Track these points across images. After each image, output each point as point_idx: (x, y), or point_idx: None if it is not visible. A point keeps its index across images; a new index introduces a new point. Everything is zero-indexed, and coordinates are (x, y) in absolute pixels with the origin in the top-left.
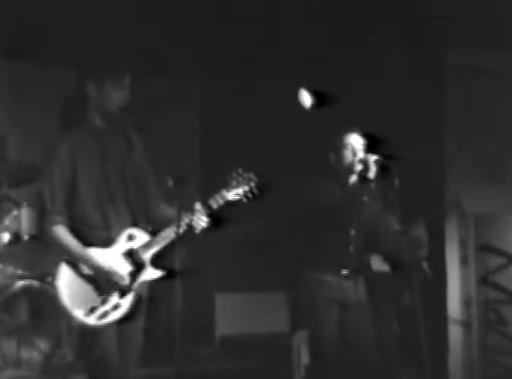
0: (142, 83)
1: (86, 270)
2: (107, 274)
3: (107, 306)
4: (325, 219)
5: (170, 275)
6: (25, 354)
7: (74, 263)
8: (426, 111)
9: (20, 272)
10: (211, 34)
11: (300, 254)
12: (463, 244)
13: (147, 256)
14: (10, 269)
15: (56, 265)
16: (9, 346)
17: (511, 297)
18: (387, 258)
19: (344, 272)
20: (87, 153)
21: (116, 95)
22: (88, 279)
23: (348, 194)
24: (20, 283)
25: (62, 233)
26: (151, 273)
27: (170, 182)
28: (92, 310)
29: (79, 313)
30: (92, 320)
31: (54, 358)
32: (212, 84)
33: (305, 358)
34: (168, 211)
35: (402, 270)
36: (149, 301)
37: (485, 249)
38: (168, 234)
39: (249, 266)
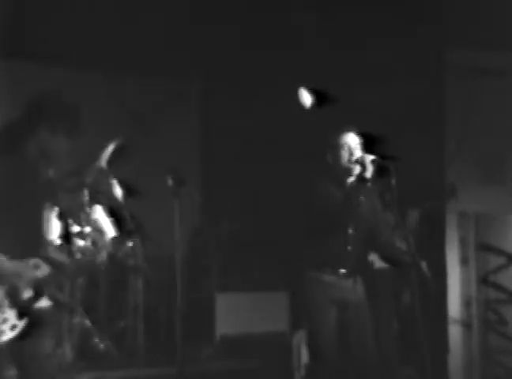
0: (142, 83)
1: None
2: (11, 278)
3: (6, 326)
4: (323, 218)
5: (60, 306)
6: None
7: None
8: (426, 111)
9: None
10: (211, 34)
11: (298, 254)
12: (463, 244)
13: (46, 286)
14: None
15: None
16: None
17: (511, 297)
18: (385, 257)
19: (343, 271)
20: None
21: (65, 144)
22: None
23: (345, 194)
24: None
25: None
26: (44, 302)
27: (170, 182)
28: None
29: None
30: None
31: (54, 358)
32: (212, 83)
33: (305, 357)
34: (54, 254)
35: (401, 269)
36: (45, 325)
37: (485, 248)
38: (68, 270)
39: (249, 266)
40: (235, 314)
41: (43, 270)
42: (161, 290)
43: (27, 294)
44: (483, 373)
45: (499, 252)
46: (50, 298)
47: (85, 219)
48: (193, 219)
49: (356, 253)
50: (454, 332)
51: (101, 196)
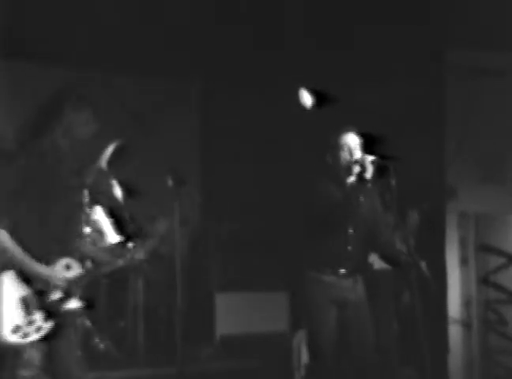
0: (142, 83)
1: (24, 286)
2: (44, 281)
3: (31, 328)
4: (323, 218)
5: (90, 307)
6: (25, 354)
7: (16, 273)
8: (426, 111)
9: None
10: (211, 34)
11: (298, 254)
12: (463, 244)
13: (77, 287)
14: None
15: None
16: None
17: (511, 297)
18: (385, 257)
19: (343, 271)
20: (42, 172)
21: (90, 126)
22: (22, 296)
23: (345, 194)
24: None
25: (4, 235)
26: (74, 303)
27: (170, 182)
28: (17, 329)
29: (5, 331)
30: (14, 339)
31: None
32: (212, 83)
33: (305, 357)
34: (91, 249)
35: (400, 269)
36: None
37: (485, 248)
38: (103, 269)
39: (249, 266)
40: (235, 314)
41: (74, 271)
42: (161, 290)
43: (56, 295)
44: (483, 373)
45: (499, 252)
46: (81, 299)
47: (85, 219)
48: (193, 219)
49: (356, 253)
50: (454, 332)
51: (101, 196)
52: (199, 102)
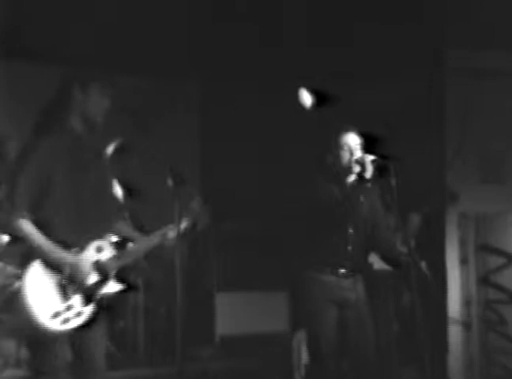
0: (143, 83)
1: (54, 274)
2: (75, 272)
3: (71, 313)
4: (323, 218)
5: (131, 288)
6: (25, 354)
7: (44, 262)
8: (426, 111)
9: (20, 272)
10: (211, 34)
11: (298, 254)
12: (463, 244)
13: (113, 269)
14: (10, 269)
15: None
16: (9, 346)
17: (511, 297)
18: (385, 258)
19: (342, 271)
20: (64, 160)
21: (101, 103)
22: (56, 283)
23: (345, 194)
24: (20, 283)
25: (30, 227)
26: (113, 286)
27: (170, 182)
28: (56, 315)
29: (44, 317)
30: (55, 326)
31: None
32: (212, 84)
33: (305, 357)
34: (124, 228)
35: (400, 269)
36: (111, 311)
37: (485, 248)
38: (137, 249)
39: (249, 265)
40: (235, 314)
41: (106, 253)
42: (161, 290)
43: (92, 279)
44: (483, 373)
45: (499, 252)
46: (118, 281)
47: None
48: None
49: (356, 253)
50: (454, 332)
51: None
52: (199, 102)
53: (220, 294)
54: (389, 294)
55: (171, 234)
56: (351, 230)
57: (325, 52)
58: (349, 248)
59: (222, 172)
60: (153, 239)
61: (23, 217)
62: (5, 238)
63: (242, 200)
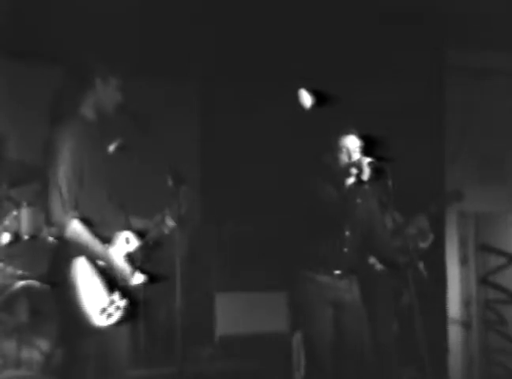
0: (142, 83)
1: (99, 269)
2: (119, 272)
3: (112, 308)
4: (320, 220)
5: (153, 280)
6: (25, 354)
7: (92, 260)
8: (426, 111)
9: (20, 272)
10: (210, 34)
11: (297, 254)
12: (463, 244)
13: (139, 260)
14: (10, 269)
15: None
16: (9, 346)
17: (511, 297)
18: (382, 259)
19: (337, 272)
20: (87, 148)
21: (116, 97)
22: (101, 278)
23: (343, 196)
24: (20, 283)
25: (80, 228)
26: (138, 278)
27: (170, 182)
28: (103, 311)
29: (93, 314)
30: (102, 321)
31: (54, 358)
32: (212, 84)
33: (304, 358)
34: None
35: (397, 271)
36: (143, 304)
37: (485, 248)
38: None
39: (249, 266)
40: (235, 314)
41: (133, 244)
42: (161, 290)
43: (124, 272)
44: (483, 373)
45: (499, 252)
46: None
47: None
48: (193, 219)
49: (352, 254)
50: (454, 332)
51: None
52: (199, 102)
53: (220, 294)
54: (388, 294)
55: (170, 222)
56: (347, 232)
57: (325, 52)
58: (345, 249)
59: (222, 172)
60: (160, 229)
61: (73, 217)
62: (6, 238)
63: (241, 201)
